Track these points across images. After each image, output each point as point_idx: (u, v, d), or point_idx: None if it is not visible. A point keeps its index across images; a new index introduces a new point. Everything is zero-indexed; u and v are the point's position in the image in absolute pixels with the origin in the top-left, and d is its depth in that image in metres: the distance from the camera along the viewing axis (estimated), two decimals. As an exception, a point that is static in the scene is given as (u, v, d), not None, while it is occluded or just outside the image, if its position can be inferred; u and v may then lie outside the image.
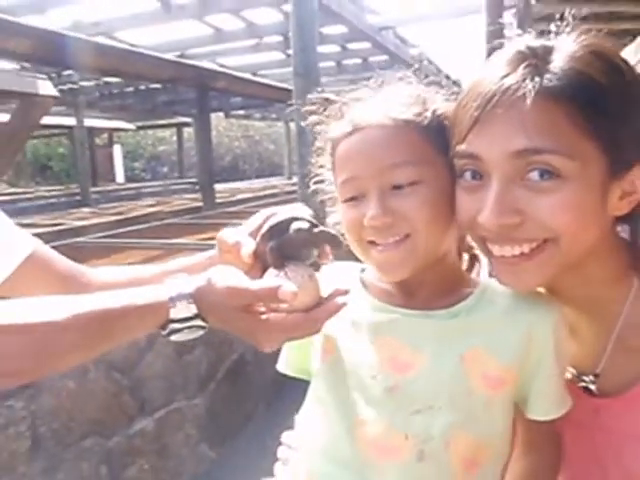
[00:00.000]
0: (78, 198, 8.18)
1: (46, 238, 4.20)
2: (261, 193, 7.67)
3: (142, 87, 8.01)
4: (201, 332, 0.63)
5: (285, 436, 0.84)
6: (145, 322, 0.62)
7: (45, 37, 4.01)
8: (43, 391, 1.87)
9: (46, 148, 16.93)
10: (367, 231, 0.70)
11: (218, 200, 6.18)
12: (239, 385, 2.82)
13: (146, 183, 12.84)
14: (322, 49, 4.29)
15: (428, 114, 0.72)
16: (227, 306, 0.60)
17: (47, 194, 9.86)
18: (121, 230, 4.43)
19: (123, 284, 0.77)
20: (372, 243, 0.71)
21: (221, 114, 10.92)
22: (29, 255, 0.84)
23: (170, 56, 5.74)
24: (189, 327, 0.61)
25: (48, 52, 4.18)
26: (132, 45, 5.55)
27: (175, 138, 14.42)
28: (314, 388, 0.79)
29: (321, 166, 0.82)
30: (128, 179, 15.52)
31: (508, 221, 0.62)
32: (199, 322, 0.62)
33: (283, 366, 0.87)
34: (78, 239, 4.12)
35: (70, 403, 1.97)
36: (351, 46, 6.81)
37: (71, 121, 8.24)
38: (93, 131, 10.56)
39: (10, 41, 3.79)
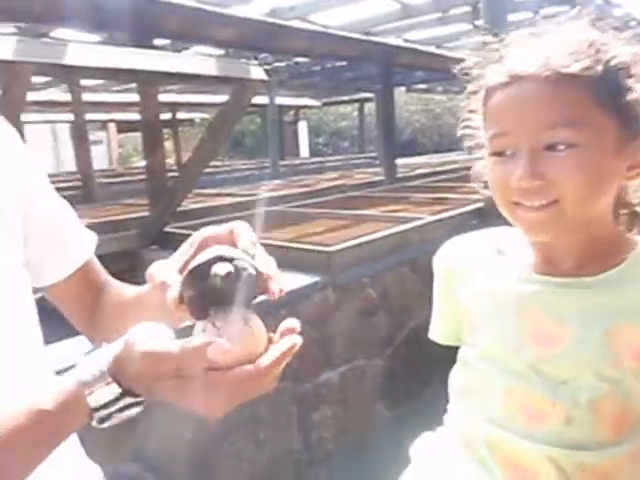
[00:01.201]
0: (268, 171, 8.88)
1: (243, 207, 4.68)
2: (440, 168, 7.60)
3: (328, 65, 8.37)
4: (138, 409, 0.51)
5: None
6: (63, 427, 0.49)
7: (248, 25, 4.44)
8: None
9: (240, 125, 18.48)
10: (513, 192, 0.67)
11: (399, 174, 6.30)
12: (416, 352, 2.94)
13: (328, 157, 13.42)
14: (513, 17, 4.12)
15: (599, 67, 0.64)
16: (148, 376, 0.48)
17: (241, 167, 10.86)
18: (308, 201, 4.78)
19: (131, 300, 0.70)
20: (518, 203, 0.68)
21: (402, 88, 10.96)
22: (87, 260, 0.76)
23: (357, 35, 5.94)
24: (119, 409, 0.49)
25: (250, 38, 4.63)
26: (324, 26, 5.85)
27: (356, 114, 14.77)
28: (461, 355, 0.82)
29: (472, 111, 0.77)
30: (312, 154, 16.38)
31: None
32: (129, 400, 0.50)
33: (434, 334, 0.90)
34: (271, 208, 4.53)
35: (271, 348, 2.27)
36: (545, 12, 6.39)
37: (264, 100, 8.90)
38: (282, 109, 11.27)
39: (220, 30, 4.27)
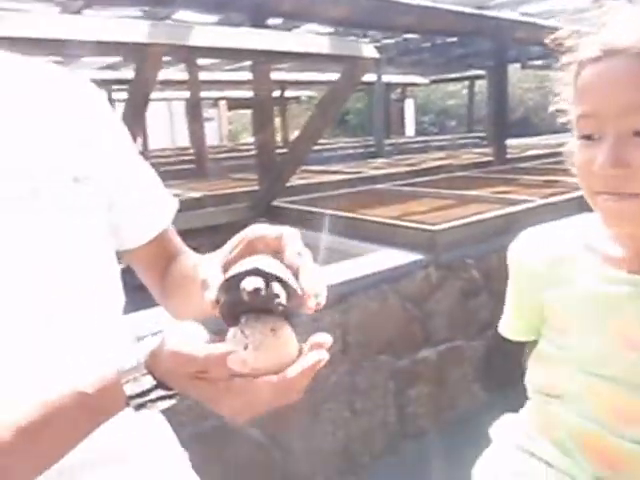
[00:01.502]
0: (373, 150, 8.87)
1: (348, 184, 4.75)
2: (553, 150, 7.23)
3: (438, 42, 8.16)
4: (173, 401, 0.53)
5: None
6: (101, 411, 0.51)
7: (358, 2, 4.44)
8: (353, 307, 2.25)
9: (345, 103, 18.50)
10: (596, 179, 0.63)
11: (508, 155, 6.07)
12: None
13: (434, 137, 13.15)
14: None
15: None
16: (175, 374, 0.50)
17: (345, 145, 10.93)
18: (414, 180, 4.75)
19: (192, 274, 0.67)
20: (600, 192, 0.64)
21: (517, 65, 10.45)
22: (165, 228, 0.78)
23: (469, 9, 5.74)
24: (153, 400, 0.51)
25: (360, 16, 4.64)
26: (435, 1, 5.71)
27: (465, 92, 14.30)
28: (542, 350, 0.80)
29: (566, 84, 0.72)
30: (417, 132, 16.11)
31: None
32: (162, 392, 0.51)
33: (506, 329, 0.88)
34: (375, 186, 4.56)
35: (372, 321, 2.33)
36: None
37: (371, 78, 8.87)
38: (389, 86, 11.16)
39: (331, 9, 4.31)
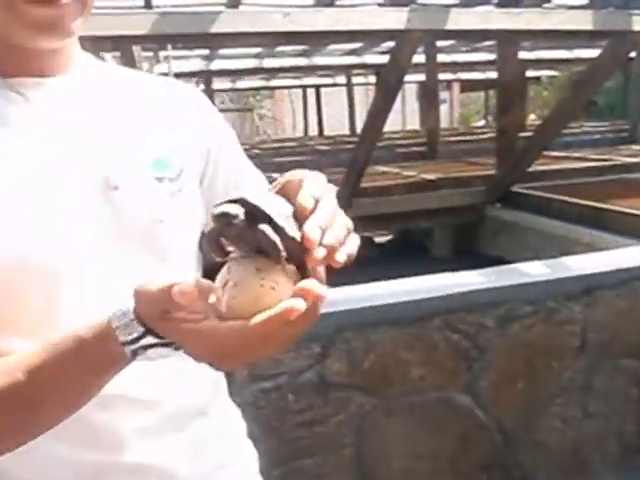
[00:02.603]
0: (625, 134, 7.96)
1: (594, 172, 4.38)
2: None
3: None
4: (169, 349, 0.48)
5: None
6: (100, 357, 0.49)
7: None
8: (597, 303, 2.11)
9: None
10: None
11: None
12: None
13: None
14: None
15: None
16: (146, 315, 0.46)
17: (591, 129, 9.96)
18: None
19: None
20: None
21: None
22: None
23: None
24: (145, 346, 0.47)
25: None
26: None
27: None
28: None
29: None
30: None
31: None
32: (152, 339, 0.47)
33: None
34: (627, 175, 4.12)
35: (618, 320, 2.16)
36: None
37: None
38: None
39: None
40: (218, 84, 11.26)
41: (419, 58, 7.71)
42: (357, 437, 1.83)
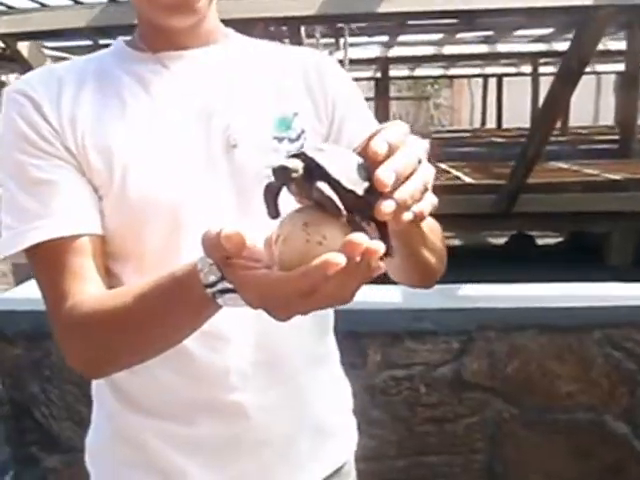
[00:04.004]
0: None
1: None
2: None
3: None
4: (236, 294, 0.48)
5: None
6: (183, 293, 0.52)
7: None
8: None
9: None
10: None
11: None
12: None
13: None
14: None
15: None
16: (212, 259, 0.47)
17: None
18: None
19: None
20: None
21: None
22: None
23: None
24: (220, 291, 0.49)
25: None
26: None
27: None
28: None
29: None
30: None
31: None
32: (227, 284, 0.48)
33: None
34: None
35: None
36: None
37: None
38: None
39: None
40: (395, 71, 11.23)
41: (619, 44, 6.95)
42: (490, 444, 1.72)
